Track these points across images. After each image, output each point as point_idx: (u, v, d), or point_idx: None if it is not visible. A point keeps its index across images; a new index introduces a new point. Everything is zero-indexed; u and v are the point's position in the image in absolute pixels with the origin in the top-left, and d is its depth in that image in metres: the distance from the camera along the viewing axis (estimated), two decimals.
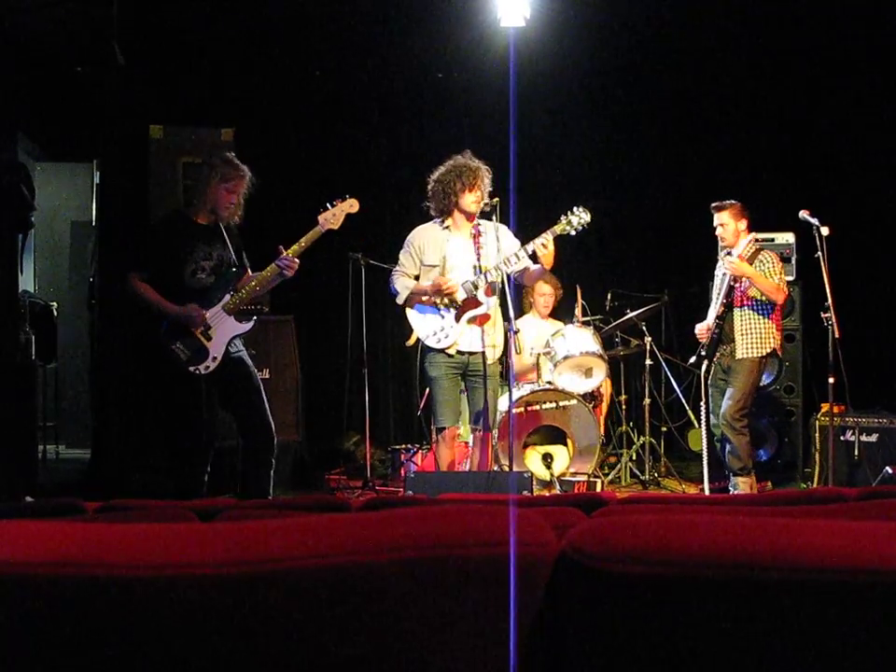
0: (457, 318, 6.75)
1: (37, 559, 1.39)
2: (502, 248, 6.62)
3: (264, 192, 6.57)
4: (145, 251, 6.25)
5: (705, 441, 7.64)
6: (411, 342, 6.98)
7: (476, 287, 6.70)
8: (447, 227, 6.88)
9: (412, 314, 6.87)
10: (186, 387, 6.12)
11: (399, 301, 6.87)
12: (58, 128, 9.32)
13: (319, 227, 6.28)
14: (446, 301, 6.76)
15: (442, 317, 6.76)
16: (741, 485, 7.45)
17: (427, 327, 6.80)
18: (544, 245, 6.55)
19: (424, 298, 6.80)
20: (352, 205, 6.43)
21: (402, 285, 6.84)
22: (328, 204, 6.38)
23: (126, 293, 6.19)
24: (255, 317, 6.39)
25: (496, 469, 7.44)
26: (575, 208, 6.72)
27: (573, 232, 6.73)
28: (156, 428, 7.98)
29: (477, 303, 6.74)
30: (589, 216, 6.70)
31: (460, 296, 6.72)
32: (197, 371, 6.07)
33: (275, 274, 6.19)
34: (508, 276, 6.68)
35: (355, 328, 8.41)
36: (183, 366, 6.06)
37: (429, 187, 6.89)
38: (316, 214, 6.35)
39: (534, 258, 6.68)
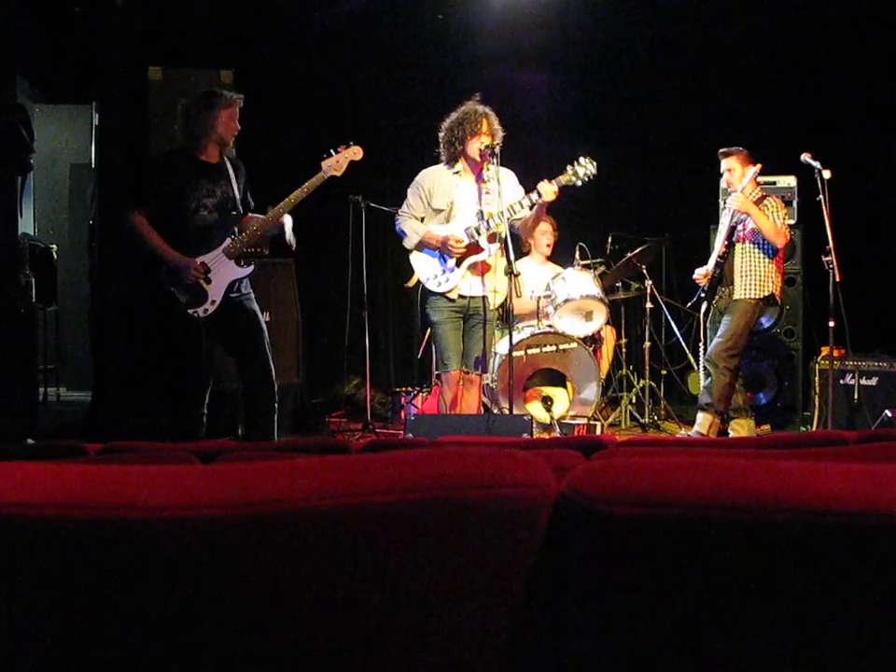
0: (458, 263, 6.76)
1: (39, 501, 1.40)
2: (503, 193, 6.57)
3: (264, 134, 6.55)
4: (146, 187, 6.20)
5: (702, 384, 7.65)
6: (411, 283, 6.98)
7: (478, 233, 6.71)
8: (457, 172, 6.86)
9: (415, 256, 6.87)
10: (184, 329, 6.11)
11: (409, 245, 6.85)
12: (57, 70, 9.27)
13: (322, 173, 6.26)
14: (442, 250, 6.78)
15: (444, 261, 6.77)
16: (702, 421, 7.45)
17: (428, 270, 6.80)
18: (553, 192, 6.57)
19: (432, 244, 6.81)
20: (356, 153, 6.40)
21: (411, 228, 6.83)
22: (331, 151, 6.35)
23: (125, 229, 6.13)
24: (254, 261, 6.39)
25: (496, 412, 7.46)
26: (581, 158, 6.71)
27: (579, 183, 6.71)
28: (155, 370, 7.99)
29: (479, 249, 6.74)
30: (595, 167, 6.69)
31: (463, 241, 6.74)
32: (196, 314, 6.05)
33: (277, 219, 6.17)
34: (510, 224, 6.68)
35: (355, 271, 8.39)
36: (182, 308, 6.04)
37: (440, 135, 6.88)
38: (317, 156, 6.33)
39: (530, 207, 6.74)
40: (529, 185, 6.70)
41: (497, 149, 6.57)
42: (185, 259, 6.00)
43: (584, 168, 6.68)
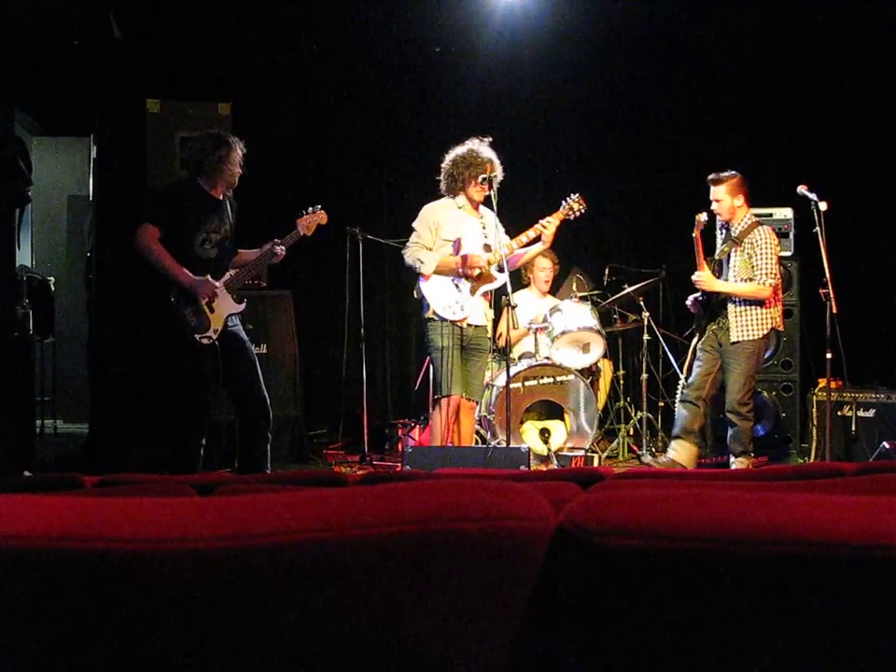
0: (472, 292, 7.02)
1: (36, 533, 1.40)
2: (492, 234, 7.04)
3: (260, 166, 6.61)
4: (162, 209, 6.26)
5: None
6: (430, 313, 7.06)
7: (490, 264, 7.00)
8: (461, 206, 7.12)
9: (427, 285, 7.03)
10: (191, 355, 6.16)
11: (427, 270, 6.98)
12: (55, 102, 9.31)
13: (297, 231, 6.53)
14: (463, 272, 7.03)
15: (459, 290, 7.03)
16: (740, 466, 7.45)
17: (443, 298, 7.00)
18: (544, 226, 6.99)
19: (449, 270, 7.03)
20: (322, 217, 6.68)
21: (426, 256, 7.01)
22: (303, 211, 6.60)
23: (136, 245, 6.09)
24: (245, 298, 6.52)
25: (494, 443, 7.47)
26: (573, 195, 7.19)
27: (572, 217, 7.16)
28: (154, 402, 7.99)
29: (492, 279, 7.06)
30: (582, 206, 7.18)
31: (482, 258, 7.03)
32: (202, 340, 6.11)
33: (266, 255, 6.32)
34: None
35: (352, 302, 8.42)
36: (190, 332, 6.09)
37: (444, 167, 7.19)
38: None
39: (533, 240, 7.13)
40: (527, 215, 6.86)
41: (494, 183, 6.85)
42: (198, 278, 6.06)
43: (577, 204, 7.13)
